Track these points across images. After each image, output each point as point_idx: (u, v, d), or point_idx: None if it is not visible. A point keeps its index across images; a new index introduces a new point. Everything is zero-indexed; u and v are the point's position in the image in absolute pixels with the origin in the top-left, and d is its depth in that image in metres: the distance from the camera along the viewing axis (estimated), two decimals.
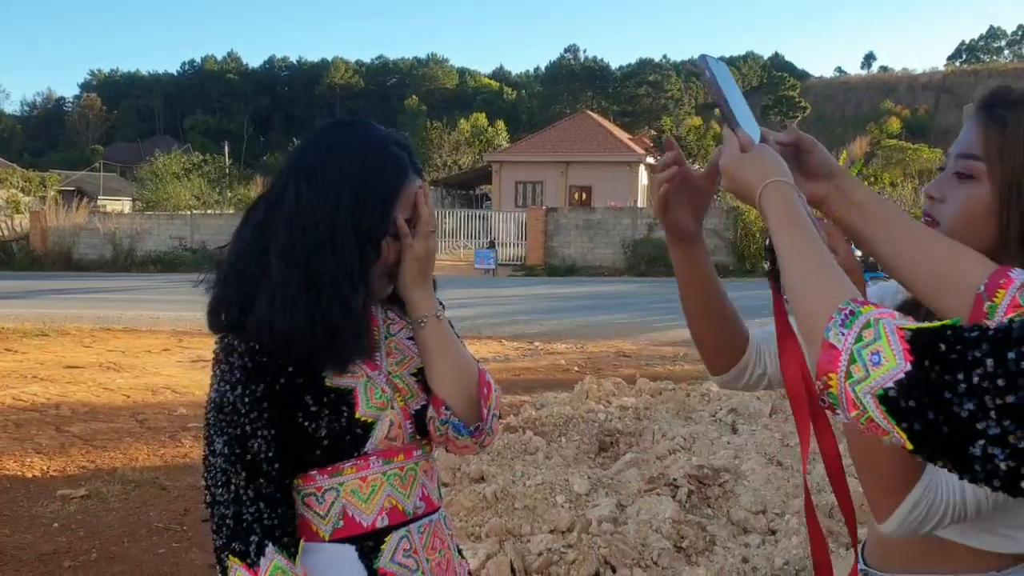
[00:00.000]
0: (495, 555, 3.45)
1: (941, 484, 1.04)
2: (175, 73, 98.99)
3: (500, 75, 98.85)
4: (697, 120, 49.48)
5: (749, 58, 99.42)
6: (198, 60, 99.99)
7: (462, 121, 51.66)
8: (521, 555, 3.44)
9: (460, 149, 46.24)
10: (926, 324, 0.76)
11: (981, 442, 0.68)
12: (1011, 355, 0.68)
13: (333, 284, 1.21)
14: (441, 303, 1.36)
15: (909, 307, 1.20)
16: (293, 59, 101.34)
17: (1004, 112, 1.07)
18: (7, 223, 26.47)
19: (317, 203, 1.22)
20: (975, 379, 0.69)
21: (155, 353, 9.69)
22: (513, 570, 3.36)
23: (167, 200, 32.90)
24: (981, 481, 0.70)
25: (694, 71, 1.14)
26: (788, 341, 1.07)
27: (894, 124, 63.94)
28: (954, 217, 1.10)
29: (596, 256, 22.47)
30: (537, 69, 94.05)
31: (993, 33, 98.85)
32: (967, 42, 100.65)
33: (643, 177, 32.66)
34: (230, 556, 1.18)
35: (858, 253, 1.13)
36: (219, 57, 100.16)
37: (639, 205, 28.18)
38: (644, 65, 73.45)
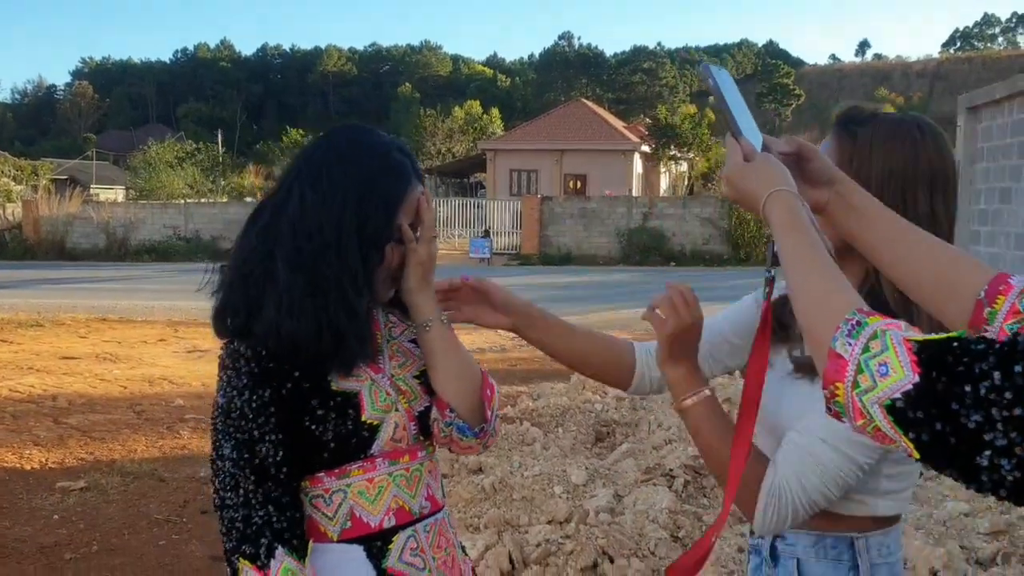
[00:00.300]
0: (494, 546, 3.48)
1: (783, 488, 1.17)
2: (168, 61, 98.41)
3: (494, 62, 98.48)
4: (692, 108, 49.40)
5: (743, 46, 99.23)
6: (191, 48, 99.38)
7: (456, 109, 51.43)
8: (519, 546, 3.47)
9: (454, 137, 46.05)
10: (932, 336, 0.77)
11: (988, 453, 0.70)
12: (1018, 368, 0.70)
13: (338, 288, 1.22)
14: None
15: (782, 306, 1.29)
16: (286, 47, 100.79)
17: (855, 128, 1.26)
18: None
19: (322, 208, 1.23)
20: (982, 391, 0.70)
21: (151, 344, 9.69)
22: (512, 561, 3.39)
23: (160, 189, 32.76)
24: (988, 491, 0.72)
25: (702, 83, 1.16)
26: (763, 348, 1.11)
27: (888, 112, 63.85)
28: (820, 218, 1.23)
29: (591, 245, 22.47)
30: (531, 56, 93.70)
31: (987, 20, 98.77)
32: (961, 29, 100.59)
33: (638, 165, 32.64)
34: (240, 559, 1.19)
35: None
36: (212, 45, 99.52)
37: (634, 194, 28.16)
38: (639, 52, 73.23)
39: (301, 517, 1.24)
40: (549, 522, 3.76)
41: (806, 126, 57.85)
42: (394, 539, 1.28)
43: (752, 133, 1.11)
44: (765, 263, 1.12)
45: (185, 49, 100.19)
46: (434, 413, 1.34)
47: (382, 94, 79.78)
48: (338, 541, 1.26)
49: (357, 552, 1.26)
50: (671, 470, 4.18)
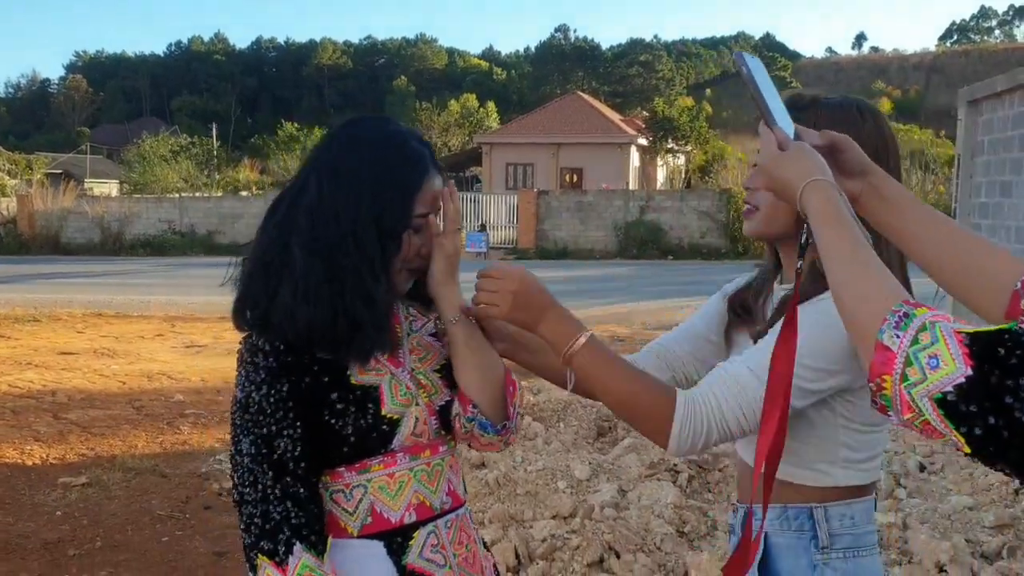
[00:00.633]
0: (499, 541, 3.48)
1: (699, 403, 1.16)
2: (162, 54, 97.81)
3: (490, 55, 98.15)
4: (689, 100, 49.35)
5: (740, 38, 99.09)
6: (185, 41, 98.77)
7: (452, 102, 51.30)
8: (525, 541, 3.47)
9: (450, 131, 45.93)
10: (983, 328, 0.76)
11: None
12: None
13: (355, 276, 1.21)
14: None
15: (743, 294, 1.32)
16: (281, 40, 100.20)
17: (797, 114, 1.24)
18: None
19: (339, 196, 1.23)
20: None
21: (148, 339, 9.66)
22: (518, 556, 3.39)
23: (155, 183, 32.63)
24: None
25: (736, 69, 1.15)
26: (791, 338, 1.09)
27: (885, 105, 63.84)
28: (765, 203, 1.26)
29: (588, 239, 22.45)
30: (527, 49, 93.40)
31: (984, 13, 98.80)
32: (958, 22, 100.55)
33: (635, 158, 32.59)
34: (259, 555, 1.19)
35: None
36: (206, 38, 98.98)
37: (631, 187, 28.14)
38: (635, 45, 73.00)
39: (320, 512, 1.23)
40: (554, 517, 3.76)
41: None
42: (415, 535, 1.27)
43: (785, 122, 1.10)
44: (799, 255, 1.11)
45: (179, 42, 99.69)
46: (456, 408, 1.33)
47: (377, 87, 79.45)
48: (358, 537, 1.26)
49: (377, 548, 1.25)
50: (675, 465, 4.18)
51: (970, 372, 0.73)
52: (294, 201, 1.27)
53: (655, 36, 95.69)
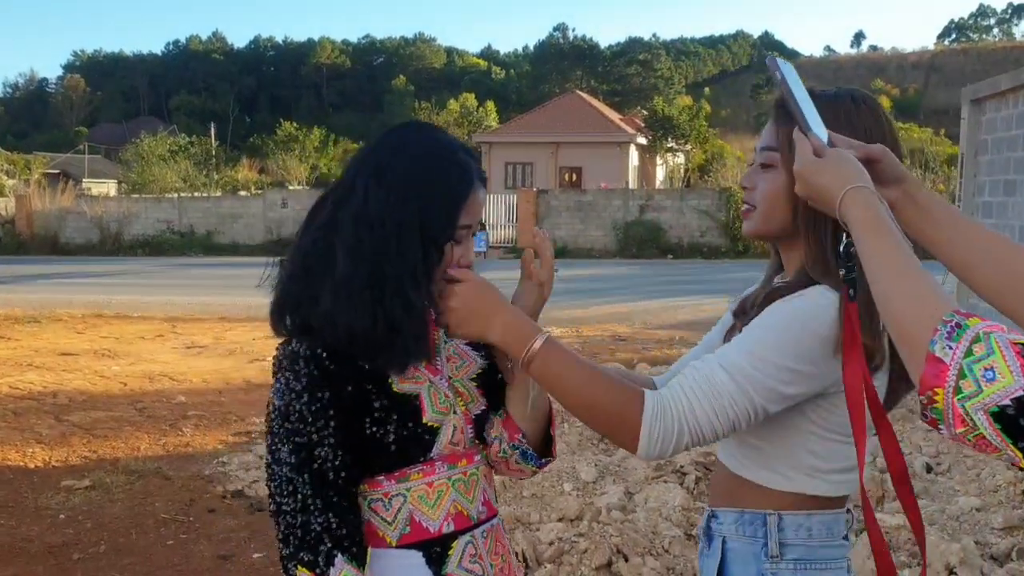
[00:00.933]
0: None
1: (669, 405, 1.12)
2: (159, 53, 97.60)
3: (488, 54, 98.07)
4: (688, 99, 49.36)
5: (739, 37, 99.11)
6: (183, 40, 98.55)
7: (451, 101, 51.28)
8: (532, 544, 3.45)
9: (449, 130, 45.30)
10: None
11: None
12: None
13: (397, 282, 1.20)
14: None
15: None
16: (279, 39, 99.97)
17: None
18: None
19: (385, 202, 1.21)
20: None
21: (149, 339, 9.64)
22: (525, 559, 3.37)
23: (153, 182, 32.56)
24: None
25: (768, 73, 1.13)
26: (853, 350, 1.06)
27: (884, 103, 63.90)
28: (762, 202, 1.23)
29: (587, 238, 22.45)
30: (526, 48, 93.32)
31: (983, 11, 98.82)
32: (956, 20, 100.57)
33: (634, 157, 32.59)
34: (298, 566, 1.17)
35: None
36: (204, 37, 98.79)
37: (630, 186, 28.13)
38: (633, 44, 73.02)
39: (360, 523, 1.22)
40: (560, 520, 3.75)
41: None
42: (453, 545, 1.26)
43: (819, 128, 1.08)
44: (838, 264, 1.08)
45: (177, 41, 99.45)
46: (499, 432, 1.34)
47: (376, 87, 79.36)
48: (396, 547, 1.24)
49: (416, 558, 1.24)
50: (682, 467, 4.17)
51: None
52: (338, 203, 1.25)
53: (654, 35, 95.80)
